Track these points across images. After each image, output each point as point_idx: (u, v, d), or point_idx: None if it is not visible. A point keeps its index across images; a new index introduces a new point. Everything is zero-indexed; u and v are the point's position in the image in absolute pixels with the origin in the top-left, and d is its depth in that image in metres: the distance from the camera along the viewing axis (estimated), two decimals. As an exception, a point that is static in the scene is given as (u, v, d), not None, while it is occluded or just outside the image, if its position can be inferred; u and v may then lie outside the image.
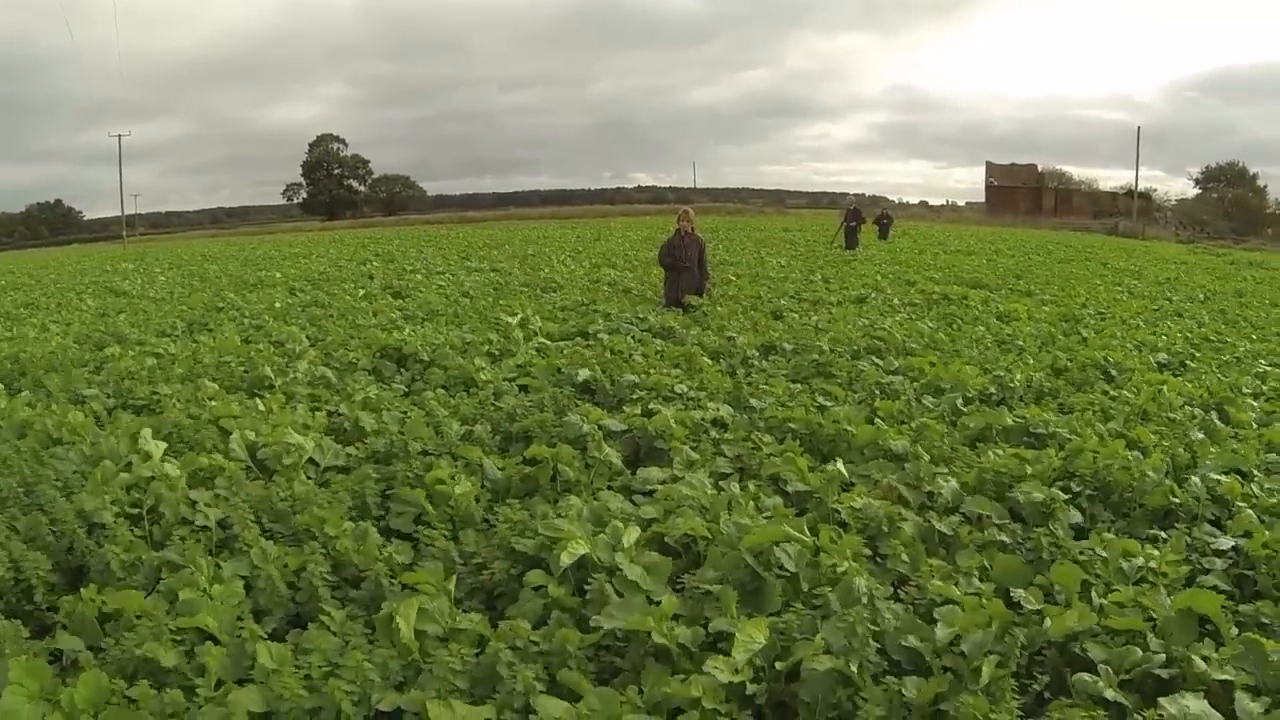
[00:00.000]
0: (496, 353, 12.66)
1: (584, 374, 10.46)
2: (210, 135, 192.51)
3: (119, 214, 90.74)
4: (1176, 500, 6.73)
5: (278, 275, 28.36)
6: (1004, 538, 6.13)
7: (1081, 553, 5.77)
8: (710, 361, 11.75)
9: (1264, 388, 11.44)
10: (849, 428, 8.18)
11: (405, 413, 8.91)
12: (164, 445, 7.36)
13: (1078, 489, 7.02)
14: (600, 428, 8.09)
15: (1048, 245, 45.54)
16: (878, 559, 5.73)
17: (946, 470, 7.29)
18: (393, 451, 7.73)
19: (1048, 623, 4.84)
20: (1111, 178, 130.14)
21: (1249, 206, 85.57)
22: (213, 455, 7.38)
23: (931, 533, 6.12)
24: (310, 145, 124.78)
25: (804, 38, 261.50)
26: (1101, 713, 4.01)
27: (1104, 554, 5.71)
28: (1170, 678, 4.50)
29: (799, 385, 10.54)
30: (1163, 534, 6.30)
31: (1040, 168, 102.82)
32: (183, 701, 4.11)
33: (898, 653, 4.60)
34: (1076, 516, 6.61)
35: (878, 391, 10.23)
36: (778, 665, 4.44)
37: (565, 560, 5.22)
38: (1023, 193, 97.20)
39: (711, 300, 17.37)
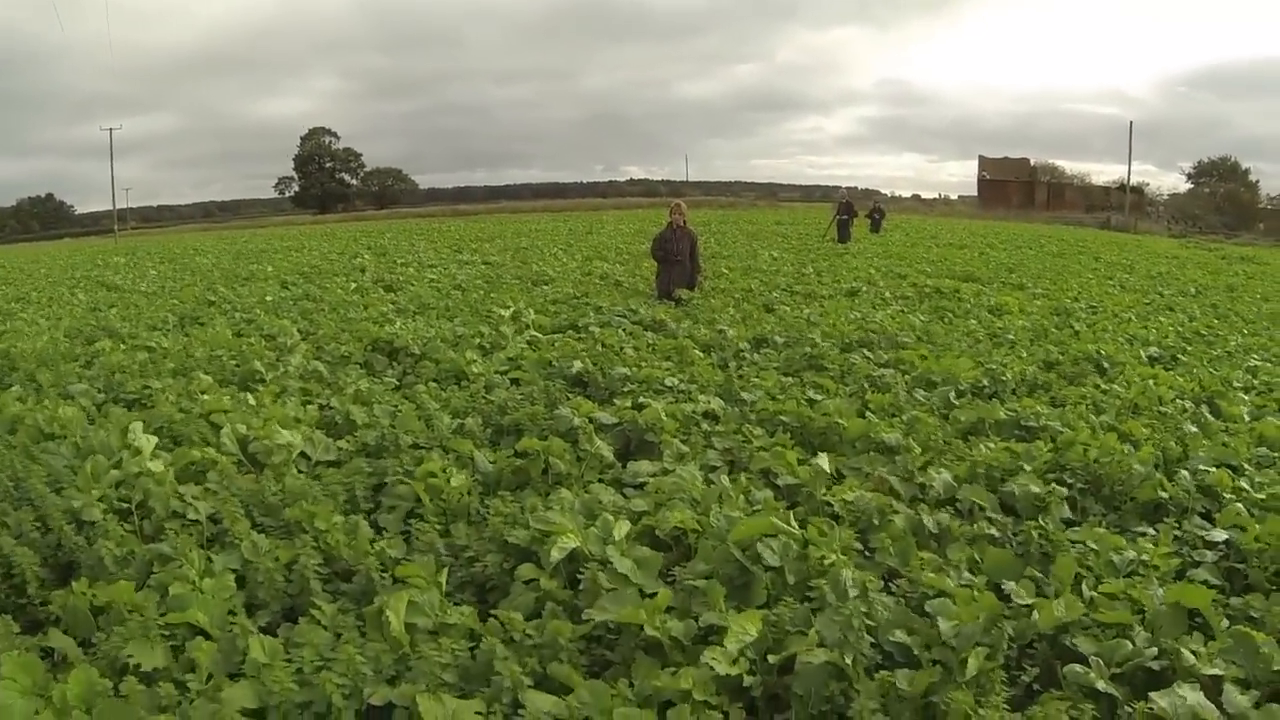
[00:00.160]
0: (488, 346, 12.67)
1: (577, 366, 10.46)
2: (202, 129, 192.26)
3: (110, 208, 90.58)
4: (1166, 494, 6.74)
5: (269, 269, 28.33)
6: (994, 531, 6.13)
7: (1073, 545, 5.78)
8: (702, 354, 11.75)
9: (1255, 382, 11.46)
10: (840, 420, 8.19)
11: (396, 406, 8.89)
12: (154, 440, 7.35)
13: (1069, 482, 7.02)
14: (591, 420, 8.10)
15: (1040, 239, 45.59)
16: (868, 552, 5.73)
17: (938, 463, 7.30)
18: (384, 445, 7.73)
19: (1035, 615, 4.85)
20: (1104, 172, 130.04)
21: (1241, 201, 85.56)
22: (204, 449, 7.38)
23: (922, 526, 6.11)
24: (302, 139, 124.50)
25: (795, 31, 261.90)
26: (1090, 705, 4.01)
27: (1095, 547, 5.72)
28: (1160, 670, 4.51)
29: (790, 378, 10.55)
30: (1152, 529, 6.31)
31: (1033, 162, 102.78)
32: (174, 696, 4.10)
33: (888, 645, 4.60)
34: (1067, 510, 6.62)
35: (869, 384, 10.23)
36: (770, 658, 4.44)
37: (556, 554, 5.23)
38: (1015, 186, 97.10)
39: (703, 293, 17.35)
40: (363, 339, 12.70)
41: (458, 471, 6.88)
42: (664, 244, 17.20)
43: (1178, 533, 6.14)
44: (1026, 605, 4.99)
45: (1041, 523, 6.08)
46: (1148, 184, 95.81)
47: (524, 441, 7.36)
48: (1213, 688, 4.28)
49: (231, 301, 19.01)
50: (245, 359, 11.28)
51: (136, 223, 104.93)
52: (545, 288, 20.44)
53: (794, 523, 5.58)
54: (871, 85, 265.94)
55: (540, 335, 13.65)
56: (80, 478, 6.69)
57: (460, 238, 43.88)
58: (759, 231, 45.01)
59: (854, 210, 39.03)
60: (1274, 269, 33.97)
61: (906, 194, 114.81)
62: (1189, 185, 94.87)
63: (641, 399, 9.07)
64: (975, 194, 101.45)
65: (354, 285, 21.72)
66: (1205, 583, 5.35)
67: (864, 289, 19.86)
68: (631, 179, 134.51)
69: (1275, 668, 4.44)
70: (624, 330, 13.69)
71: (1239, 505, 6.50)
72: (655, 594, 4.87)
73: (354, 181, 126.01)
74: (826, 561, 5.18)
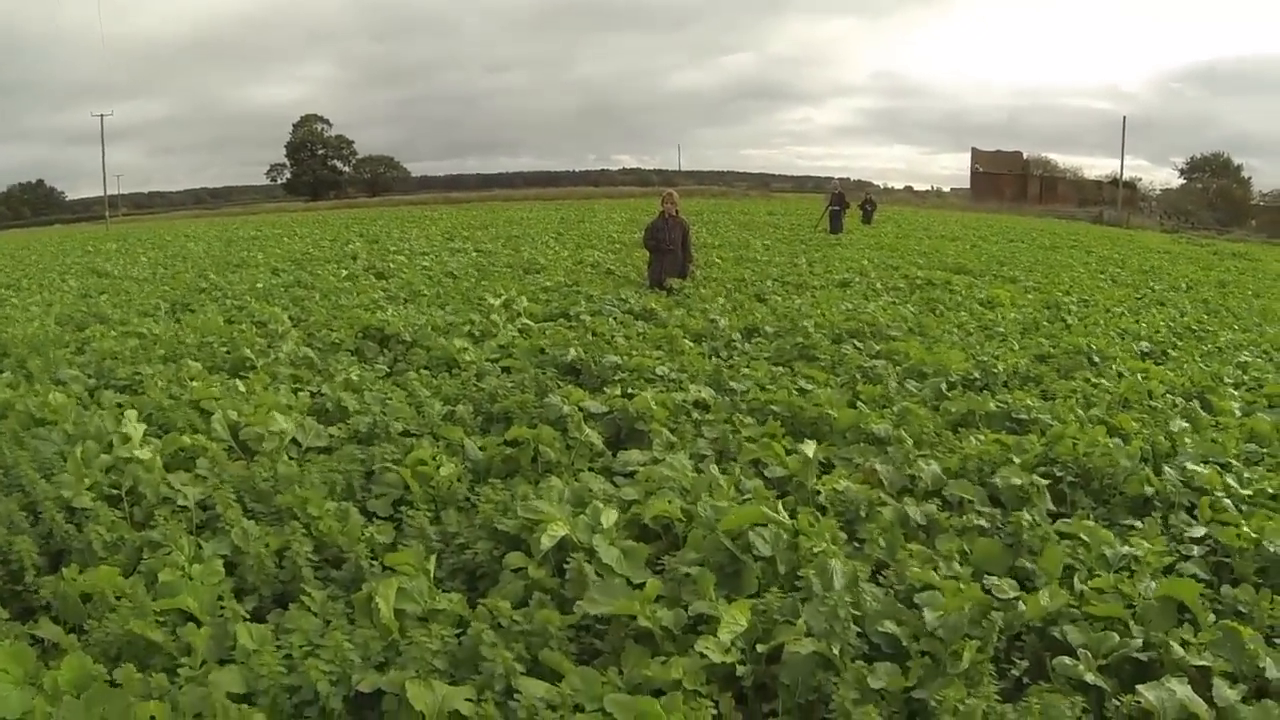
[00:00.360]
0: (479, 334, 12.65)
1: (571, 354, 10.46)
2: (194, 115, 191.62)
3: (102, 194, 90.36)
4: (1153, 489, 6.76)
5: (260, 256, 28.27)
6: (982, 523, 6.15)
7: (1061, 538, 5.80)
8: (692, 344, 11.76)
9: (1245, 378, 11.48)
10: (831, 411, 8.20)
11: (387, 393, 8.90)
12: (144, 426, 7.35)
13: (1059, 475, 7.03)
14: (581, 409, 8.10)
15: (1032, 232, 45.57)
16: (856, 543, 5.75)
17: (928, 454, 7.31)
18: (375, 432, 7.74)
19: (1022, 606, 4.86)
20: (1097, 166, 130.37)
21: (1233, 197, 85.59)
22: (195, 436, 7.37)
23: (909, 517, 6.13)
24: (294, 126, 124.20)
25: (788, 22, 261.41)
26: (1079, 697, 4.02)
27: (1085, 540, 5.73)
28: (1149, 663, 4.52)
29: (781, 368, 10.57)
30: (1139, 523, 6.33)
31: (1026, 155, 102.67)
32: (165, 684, 4.11)
33: (876, 637, 4.62)
34: (1049, 501, 6.64)
35: (860, 375, 10.25)
36: (759, 648, 4.45)
37: (546, 543, 5.23)
38: (1008, 180, 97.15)
39: (694, 283, 17.37)
40: (354, 326, 12.67)
41: (448, 459, 6.89)
42: (656, 233, 17.20)
43: (1163, 528, 6.17)
44: (1014, 597, 5.01)
45: (1028, 515, 6.10)
46: (1140, 179, 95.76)
47: (514, 430, 7.36)
48: (1201, 681, 4.30)
49: (223, 288, 18.95)
50: (236, 346, 11.26)
51: (128, 209, 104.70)
52: (537, 276, 20.43)
53: (783, 512, 5.59)
54: (864, 77, 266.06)
55: (531, 323, 13.64)
56: (70, 464, 6.67)
57: (452, 225, 43.82)
58: (751, 221, 45.01)
59: (846, 201, 39.11)
60: (1266, 265, 34.04)
61: (899, 186, 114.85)
62: (1182, 180, 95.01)
63: (632, 388, 9.09)
64: (968, 187, 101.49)
65: (345, 272, 21.70)
66: (1194, 577, 5.36)
67: (856, 280, 19.88)
68: (624, 168, 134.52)
69: (1262, 662, 4.46)
70: (615, 319, 13.69)
71: (1226, 500, 6.52)
72: (643, 583, 4.89)
73: (346, 169, 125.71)
74: (816, 551, 5.20)
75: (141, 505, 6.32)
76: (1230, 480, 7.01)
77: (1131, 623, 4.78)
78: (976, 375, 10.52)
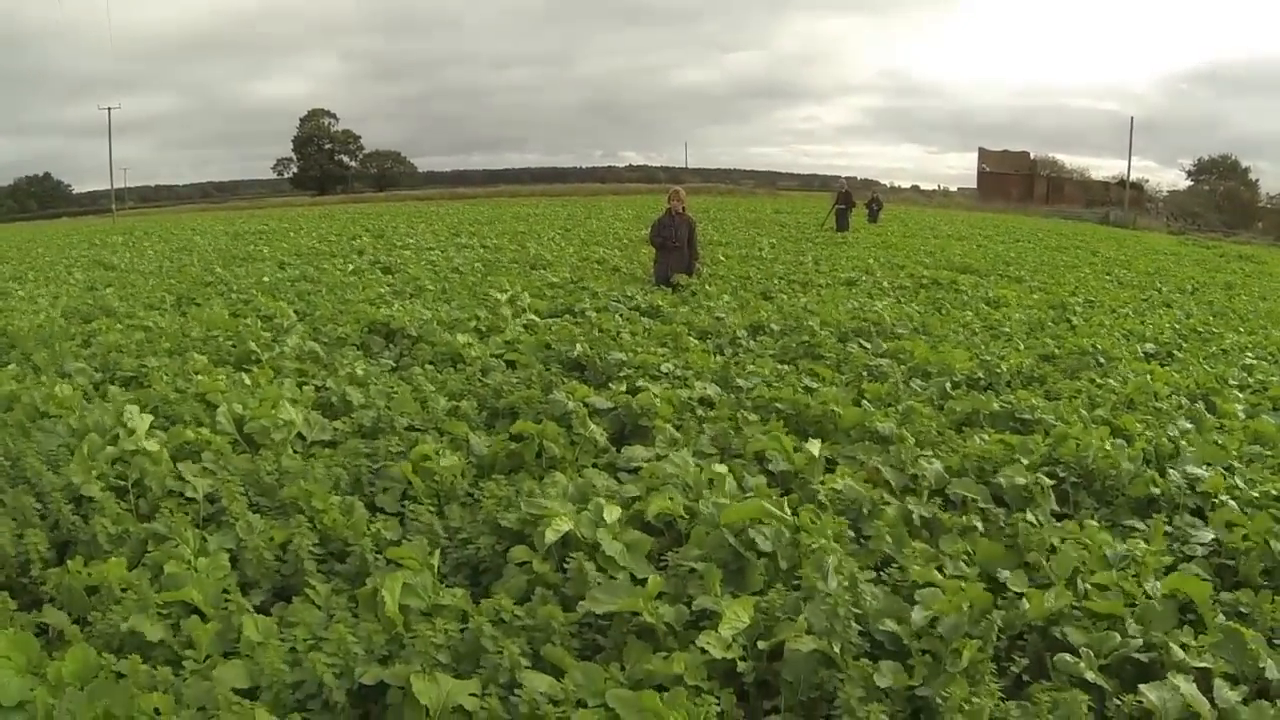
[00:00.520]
0: (484, 329, 12.70)
1: (577, 350, 10.48)
2: (201, 109, 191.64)
3: (108, 187, 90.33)
4: (1157, 490, 6.76)
5: (266, 250, 28.29)
6: (979, 523, 6.15)
7: (1063, 539, 5.80)
8: (697, 341, 11.77)
9: (1250, 380, 11.46)
10: (835, 409, 8.21)
11: (392, 388, 8.92)
12: (150, 419, 7.36)
13: (1062, 475, 7.04)
14: (586, 405, 8.11)
15: (1039, 233, 45.57)
16: (860, 540, 5.76)
17: (931, 453, 7.31)
18: (379, 426, 7.75)
19: (1024, 605, 4.87)
20: (1103, 167, 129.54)
21: (1240, 199, 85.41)
22: (199, 429, 7.38)
23: (912, 516, 6.14)
24: (301, 120, 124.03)
25: (795, 19, 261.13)
26: (1082, 694, 4.03)
27: (1086, 541, 5.74)
28: (1150, 663, 4.53)
29: (787, 366, 10.58)
30: (1142, 524, 6.33)
31: (1033, 155, 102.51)
32: (170, 676, 4.12)
33: (878, 634, 4.63)
34: (1054, 502, 6.64)
35: (865, 374, 10.25)
36: (760, 645, 4.47)
37: (550, 538, 5.24)
38: (1015, 180, 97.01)
39: (700, 280, 17.36)
40: (360, 321, 12.69)
41: (452, 454, 6.90)
42: (662, 230, 17.20)
43: (1169, 529, 6.17)
44: (1018, 594, 5.02)
45: (1032, 515, 6.11)
46: (1147, 180, 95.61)
47: (518, 425, 7.38)
48: (1202, 682, 4.31)
49: (229, 282, 18.97)
50: (241, 339, 11.28)
51: (134, 203, 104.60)
52: (543, 272, 20.46)
53: (786, 509, 5.60)
54: (871, 75, 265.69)
55: (537, 319, 13.66)
56: (76, 456, 6.70)
57: (458, 221, 43.85)
58: (757, 219, 45.07)
59: (852, 200, 39.12)
60: (1272, 268, 33.97)
61: (905, 185, 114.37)
62: (1189, 182, 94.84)
63: (637, 384, 9.09)
64: (974, 186, 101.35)
65: (351, 267, 21.72)
66: (1197, 577, 5.37)
67: (861, 279, 19.90)
68: (630, 165, 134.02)
69: (1263, 664, 4.47)
70: (621, 315, 13.69)
71: (1230, 502, 6.52)
72: (646, 579, 4.90)
73: (353, 164, 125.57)
74: (815, 548, 5.21)
75: (147, 498, 6.34)
76: (1237, 481, 7.02)
77: (1132, 622, 4.79)
78: (981, 375, 10.52)
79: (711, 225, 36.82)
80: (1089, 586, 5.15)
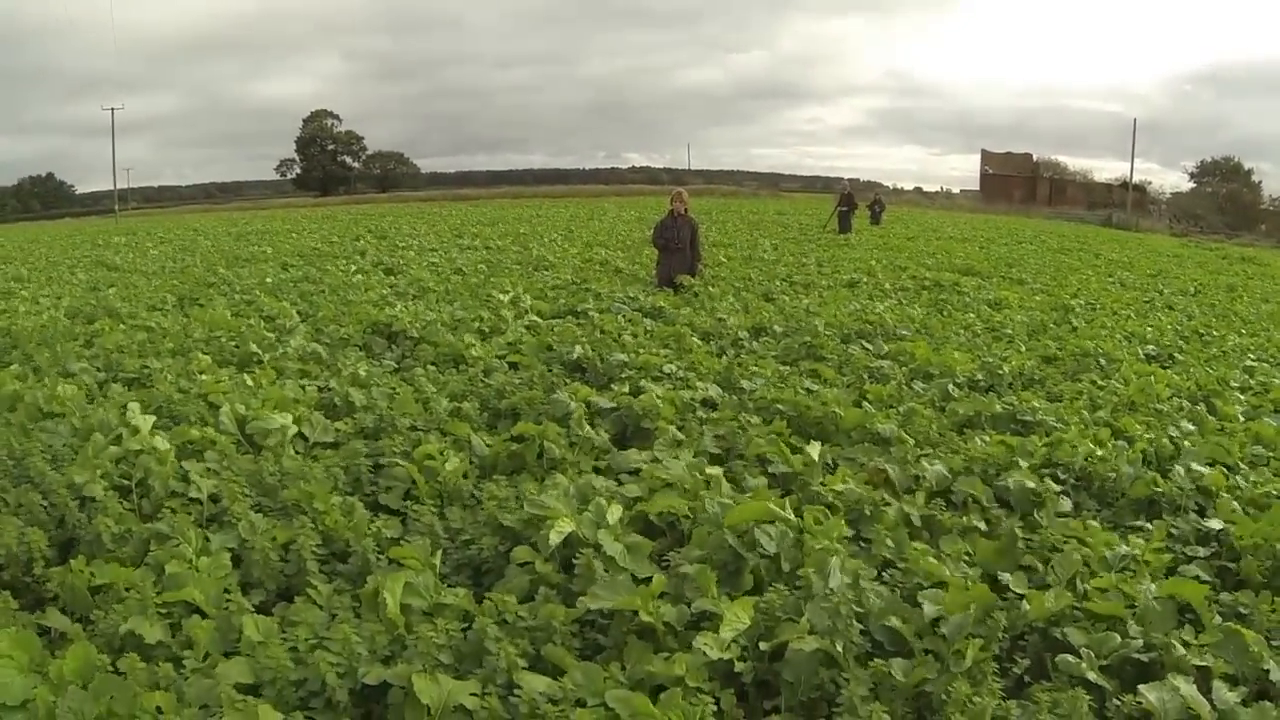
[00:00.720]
0: (487, 330, 12.72)
1: (578, 351, 10.49)
2: (205, 109, 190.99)
3: (111, 188, 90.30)
4: (1160, 490, 6.78)
5: (270, 250, 28.31)
6: (980, 524, 6.18)
7: (1065, 540, 5.81)
8: (700, 342, 11.77)
9: (1252, 382, 11.48)
10: (837, 410, 8.21)
11: (395, 389, 8.93)
12: (153, 419, 7.37)
13: (1063, 477, 7.05)
14: (588, 406, 8.14)
15: (1041, 234, 45.55)
16: (862, 542, 5.77)
17: (932, 455, 7.33)
18: (381, 427, 7.77)
19: (1026, 605, 4.88)
20: (1106, 169, 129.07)
21: (1243, 201, 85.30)
22: (203, 429, 7.40)
23: (915, 517, 6.15)
24: (304, 121, 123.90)
25: (797, 20, 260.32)
26: (1083, 694, 4.04)
27: (1088, 541, 5.75)
28: (1150, 663, 4.54)
29: (789, 367, 10.59)
30: (1148, 525, 6.36)
31: (1035, 157, 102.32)
32: (171, 675, 4.14)
33: (880, 634, 4.64)
34: (1065, 504, 6.65)
35: (867, 375, 10.26)
36: (761, 645, 4.48)
37: (554, 538, 5.25)
38: (1017, 181, 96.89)
39: (703, 281, 17.34)
40: (362, 321, 12.69)
41: (454, 454, 6.92)
42: (665, 231, 17.19)
43: (1171, 530, 6.19)
44: (1019, 596, 5.03)
45: (1037, 517, 6.12)
46: (1150, 182, 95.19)
47: (519, 426, 7.40)
48: (1201, 682, 4.32)
49: (231, 283, 18.97)
50: (244, 340, 11.29)
51: (138, 203, 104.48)
52: (545, 273, 20.49)
53: (789, 510, 5.61)
54: (874, 76, 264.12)
55: (540, 320, 13.67)
56: (80, 456, 6.73)
57: (461, 222, 43.84)
58: (760, 221, 45.01)
59: (855, 202, 39.10)
60: (1274, 270, 33.93)
61: (908, 186, 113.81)
62: (1191, 184, 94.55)
63: (639, 385, 9.10)
64: (977, 188, 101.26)
65: (354, 268, 21.72)
66: (1197, 579, 5.38)
67: (863, 280, 19.91)
68: (634, 166, 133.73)
69: (1263, 665, 4.48)
70: (623, 317, 13.68)
71: (1232, 503, 6.54)
72: (648, 579, 4.91)
73: (356, 164, 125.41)
74: (820, 549, 5.22)
75: (150, 497, 6.35)
76: (1238, 481, 7.04)
77: (1133, 623, 4.80)
78: (983, 377, 10.53)
79: (714, 227, 36.82)
80: (1089, 588, 5.16)
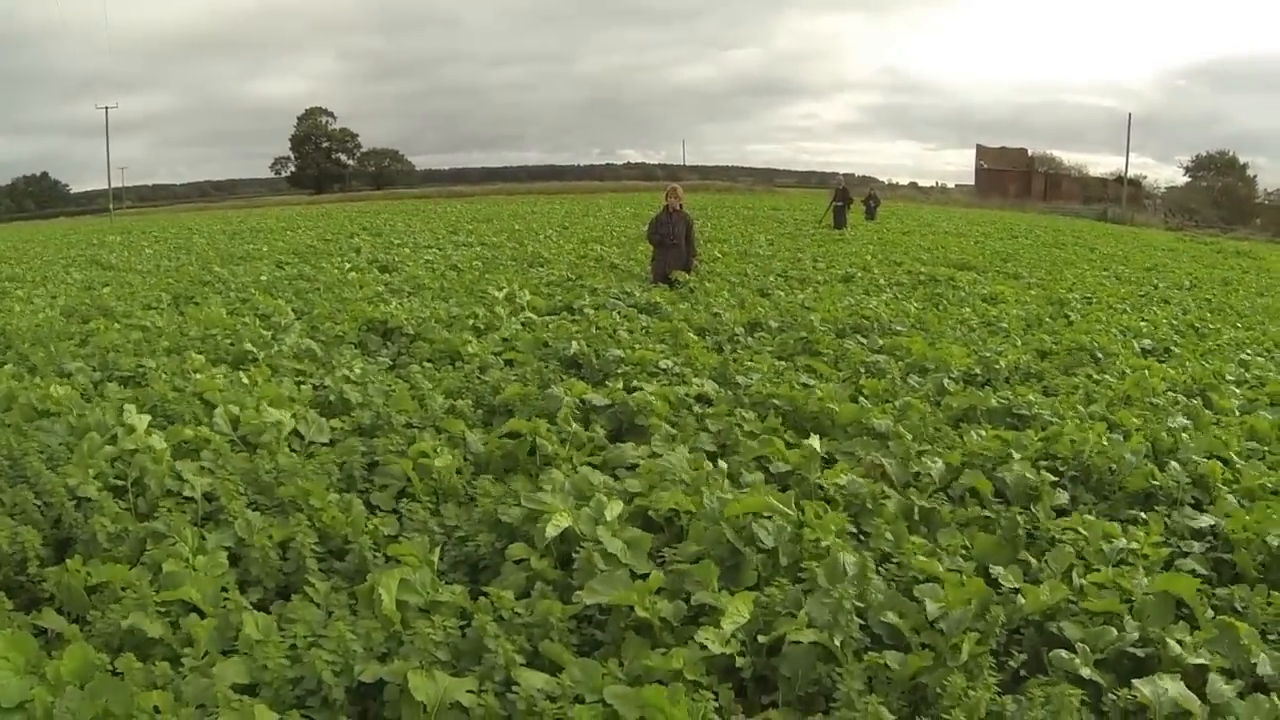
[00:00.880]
0: (483, 327, 12.71)
1: (574, 347, 10.49)
2: (199, 108, 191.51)
3: (106, 187, 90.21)
4: (1156, 483, 6.78)
5: (265, 249, 28.27)
6: (988, 513, 6.18)
7: (1063, 532, 5.82)
8: (696, 337, 11.76)
9: (1247, 375, 11.49)
10: (833, 405, 8.21)
11: (390, 386, 8.92)
12: (149, 418, 7.38)
13: (1060, 470, 7.05)
14: (584, 402, 8.15)
15: (1036, 229, 45.55)
16: (860, 535, 5.76)
17: (929, 449, 7.33)
18: (377, 424, 7.76)
19: (1021, 600, 4.89)
20: (1101, 164, 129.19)
21: (1238, 196, 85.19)
22: (197, 428, 7.39)
23: (914, 510, 6.15)
24: (299, 118, 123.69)
25: (792, 16, 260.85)
26: (1079, 690, 4.04)
27: (1085, 535, 5.76)
28: (1145, 658, 4.55)
29: (784, 362, 10.59)
30: (1143, 515, 6.36)
31: (1030, 152, 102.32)
32: (169, 673, 4.14)
33: (878, 628, 4.64)
34: (1062, 498, 6.65)
35: (863, 370, 10.26)
36: (760, 639, 4.48)
37: (550, 533, 5.25)
38: (1012, 176, 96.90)
39: (699, 277, 17.33)
40: (357, 319, 12.66)
41: (449, 451, 6.91)
42: (660, 227, 17.18)
43: (1166, 521, 6.20)
44: (1014, 590, 5.03)
45: (1033, 510, 6.12)
46: (1145, 176, 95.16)
47: (512, 422, 7.40)
48: (1196, 677, 4.32)
49: (226, 281, 18.93)
50: (239, 338, 11.27)
51: (132, 202, 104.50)
52: (541, 270, 20.50)
53: (791, 504, 5.60)
54: (869, 72, 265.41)
55: (535, 317, 13.68)
56: (75, 455, 6.73)
57: (456, 219, 43.75)
58: (755, 216, 45.00)
59: (850, 197, 39.12)
60: (1269, 264, 33.97)
61: (904, 182, 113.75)
62: (1186, 178, 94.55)
63: (635, 381, 9.10)
64: (972, 183, 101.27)
65: (349, 265, 21.69)
66: (1193, 572, 5.38)
67: (859, 275, 19.92)
68: (629, 163, 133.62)
69: (1255, 658, 4.48)
70: (619, 313, 13.69)
71: (1229, 495, 6.55)
72: (647, 575, 4.91)
73: (350, 162, 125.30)
74: (823, 544, 5.22)
75: (146, 496, 6.34)
76: (1234, 474, 7.05)
77: (1129, 618, 4.80)
78: (979, 371, 10.53)
79: (709, 222, 36.78)
80: (1085, 582, 5.16)
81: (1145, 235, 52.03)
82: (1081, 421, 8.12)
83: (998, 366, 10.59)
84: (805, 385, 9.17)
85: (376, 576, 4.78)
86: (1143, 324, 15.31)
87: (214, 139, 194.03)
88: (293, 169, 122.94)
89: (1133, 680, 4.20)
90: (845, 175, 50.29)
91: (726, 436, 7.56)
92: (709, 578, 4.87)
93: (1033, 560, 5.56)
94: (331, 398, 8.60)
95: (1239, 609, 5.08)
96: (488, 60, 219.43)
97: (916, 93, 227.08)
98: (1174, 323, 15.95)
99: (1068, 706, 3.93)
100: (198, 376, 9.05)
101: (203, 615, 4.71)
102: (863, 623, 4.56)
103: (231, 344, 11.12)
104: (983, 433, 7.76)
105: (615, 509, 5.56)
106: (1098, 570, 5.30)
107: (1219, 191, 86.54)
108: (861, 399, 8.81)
